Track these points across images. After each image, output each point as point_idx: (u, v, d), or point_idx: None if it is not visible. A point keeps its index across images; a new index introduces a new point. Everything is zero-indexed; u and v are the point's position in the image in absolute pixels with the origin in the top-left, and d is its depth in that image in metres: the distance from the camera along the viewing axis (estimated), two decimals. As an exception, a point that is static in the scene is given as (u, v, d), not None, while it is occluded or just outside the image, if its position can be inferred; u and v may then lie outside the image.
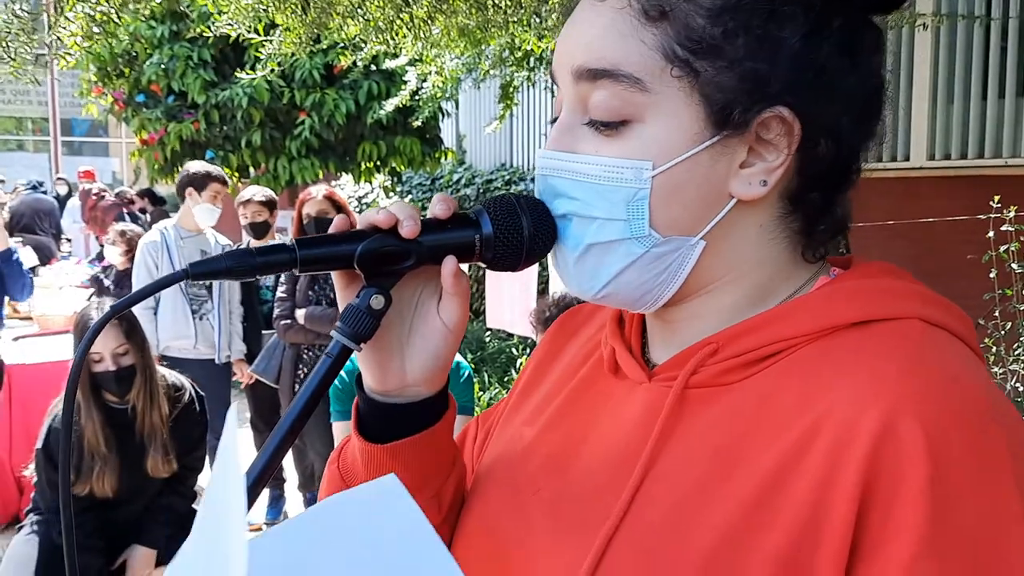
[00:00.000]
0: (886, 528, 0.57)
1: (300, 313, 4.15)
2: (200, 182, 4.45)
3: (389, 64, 5.75)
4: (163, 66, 7.76)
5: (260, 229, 4.58)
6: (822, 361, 0.65)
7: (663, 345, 0.77)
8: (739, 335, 0.70)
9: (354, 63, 4.51)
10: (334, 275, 0.73)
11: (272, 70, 3.45)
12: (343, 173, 8.96)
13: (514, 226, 0.71)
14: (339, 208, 4.42)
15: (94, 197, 9.13)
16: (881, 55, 0.72)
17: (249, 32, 3.22)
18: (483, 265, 0.73)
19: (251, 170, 8.53)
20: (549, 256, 0.75)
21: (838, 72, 0.67)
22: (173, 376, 3.08)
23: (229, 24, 3.16)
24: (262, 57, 3.37)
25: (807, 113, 0.67)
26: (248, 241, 4.71)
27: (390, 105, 5.94)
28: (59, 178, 12.72)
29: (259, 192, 4.75)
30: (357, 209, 10.44)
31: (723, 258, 0.71)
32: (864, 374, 0.62)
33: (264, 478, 0.66)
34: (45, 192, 10.61)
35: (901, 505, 0.57)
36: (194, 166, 4.62)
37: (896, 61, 6.13)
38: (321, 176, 8.66)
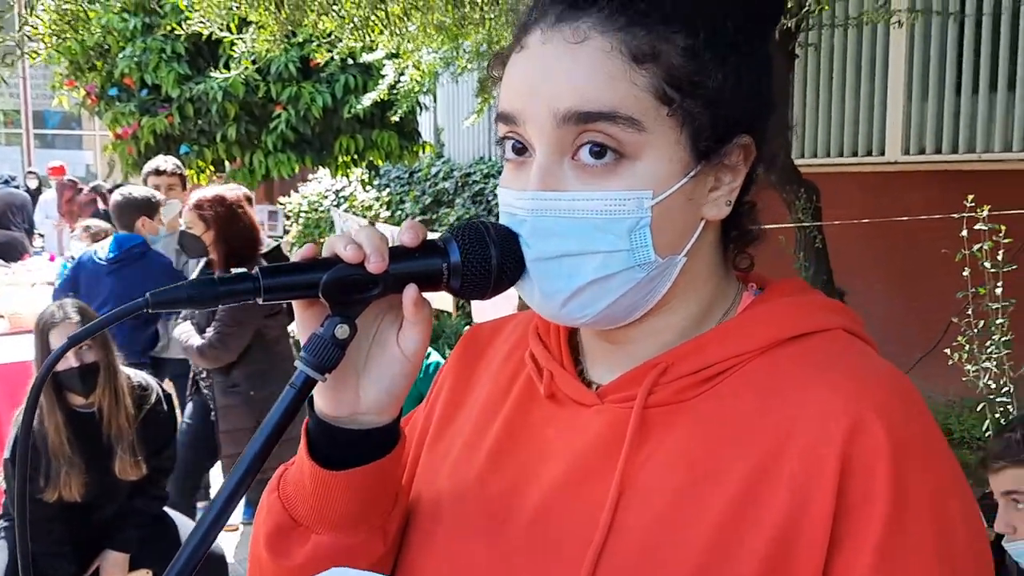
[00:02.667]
0: (862, 514, 0.64)
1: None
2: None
3: (367, 58, 5.71)
4: (136, 59, 7.68)
5: None
6: (773, 374, 0.72)
7: (606, 366, 0.79)
8: (688, 354, 0.74)
9: (331, 57, 4.48)
10: (294, 303, 0.72)
11: (246, 68, 3.41)
12: (320, 167, 8.90)
13: (482, 255, 0.71)
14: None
15: (70, 190, 8.99)
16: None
17: (222, 30, 3.19)
18: (451, 294, 0.72)
19: (227, 164, 8.46)
20: (519, 291, 0.75)
21: (772, 98, 0.75)
22: (139, 376, 3.04)
23: (201, 22, 3.12)
24: (235, 55, 3.33)
25: (759, 139, 0.74)
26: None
27: (368, 99, 5.92)
28: (30, 171, 12.53)
29: (235, 189, 4.68)
30: (335, 203, 10.38)
31: (688, 274, 0.75)
32: (821, 384, 0.69)
33: (226, 512, 0.64)
34: (17, 186, 10.47)
35: (873, 493, 0.64)
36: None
37: (871, 57, 6.17)
38: (298, 170, 8.60)
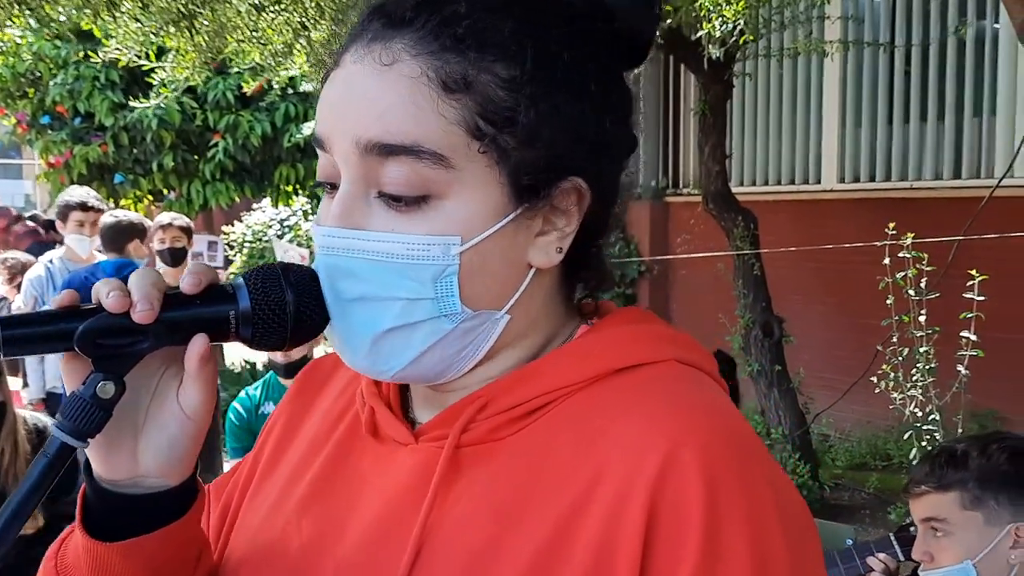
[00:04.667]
0: (671, 558, 0.59)
1: None
2: (61, 212, 4.25)
3: (306, 87, 5.64)
4: (69, 87, 7.51)
5: (178, 255, 4.40)
6: (592, 409, 0.66)
7: (427, 403, 0.73)
8: (507, 388, 0.67)
9: (270, 85, 4.41)
10: (60, 359, 0.64)
11: (166, 96, 3.32)
12: (261, 196, 8.77)
13: (276, 301, 0.63)
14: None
15: (3, 219, 8.67)
16: (633, 114, 0.73)
17: (140, 57, 3.11)
18: (245, 344, 0.65)
19: (165, 193, 8.30)
20: (330, 340, 0.68)
21: (615, 139, 0.69)
22: (34, 418, 2.88)
23: (118, 49, 3.04)
24: (154, 83, 3.24)
25: (597, 179, 0.68)
26: (160, 268, 4.52)
27: (308, 128, 5.84)
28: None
29: (178, 218, 4.57)
30: (278, 233, 10.24)
31: (518, 325, 0.69)
32: (638, 417, 0.63)
33: None
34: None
35: (683, 535, 0.59)
36: (64, 195, 4.39)
37: (807, 87, 6.27)
38: (238, 200, 8.46)
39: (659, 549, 0.59)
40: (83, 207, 4.22)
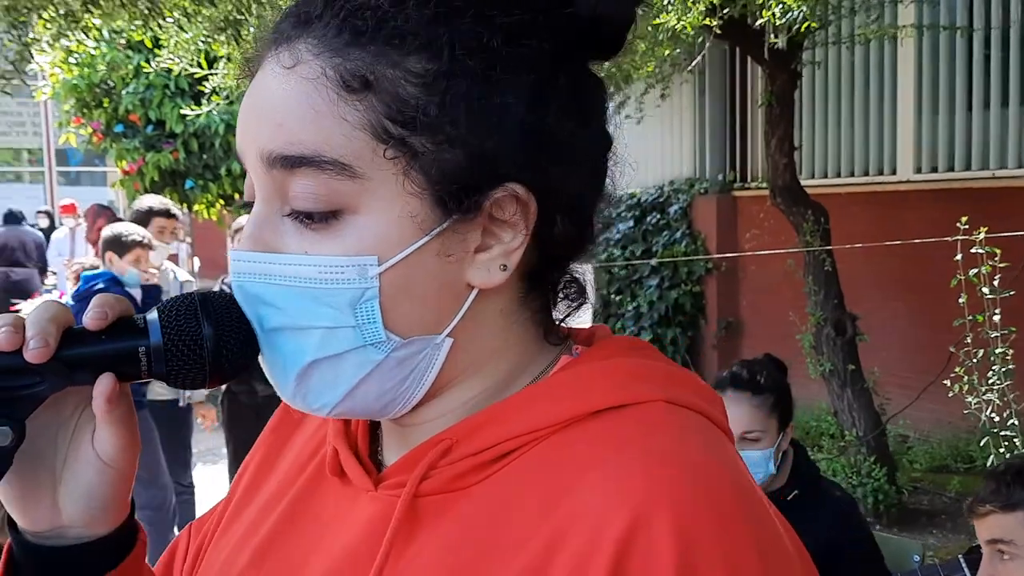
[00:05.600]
0: None
1: None
2: (142, 218, 4.24)
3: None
4: (140, 96, 7.70)
5: None
6: (563, 458, 0.58)
7: (395, 444, 0.66)
8: (474, 430, 0.60)
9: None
10: None
11: (218, 103, 3.35)
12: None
13: (191, 334, 0.58)
14: None
15: (103, 218, 8.89)
16: (605, 108, 0.65)
17: (192, 66, 3.14)
18: (163, 382, 0.60)
19: (235, 197, 8.45)
20: (264, 370, 0.62)
21: (568, 138, 0.60)
22: None
23: (170, 58, 3.07)
24: (205, 91, 3.27)
25: (542, 187, 0.59)
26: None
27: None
28: (40, 211, 12.56)
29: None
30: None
31: (467, 351, 0.62)
32: (608, 474, 0.55)
33: None
34: (32, 225, 10.57)
35: None
36: (142, 201, 4.40)
37: (880, 74, 6.02)
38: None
39: None
40: (168, 214, 4.28)
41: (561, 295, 0.66)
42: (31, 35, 2.38)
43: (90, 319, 0.58)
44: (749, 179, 7.05)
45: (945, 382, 3.05)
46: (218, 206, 8.55)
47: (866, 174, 6.16)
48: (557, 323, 0.67)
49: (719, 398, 0.66)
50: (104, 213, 8.45)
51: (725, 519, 0.54)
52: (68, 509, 0.62)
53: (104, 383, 0.58)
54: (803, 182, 5.23)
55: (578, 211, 0.62)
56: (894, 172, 5.96)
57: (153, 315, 0.59)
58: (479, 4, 0.58)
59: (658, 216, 7.48)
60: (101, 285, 4.30)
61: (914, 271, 5.41)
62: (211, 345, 0.58)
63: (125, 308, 0.59)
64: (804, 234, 4.85)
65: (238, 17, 2.60)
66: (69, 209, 10.01)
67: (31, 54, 2.37)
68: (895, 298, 5.72)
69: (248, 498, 0.75)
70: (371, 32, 0.56)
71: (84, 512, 0.62)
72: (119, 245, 4.27)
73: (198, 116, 7.59)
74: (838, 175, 6.35)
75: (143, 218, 4.31)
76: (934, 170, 5.72)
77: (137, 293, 4.08)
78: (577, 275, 0.66)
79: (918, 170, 5.79)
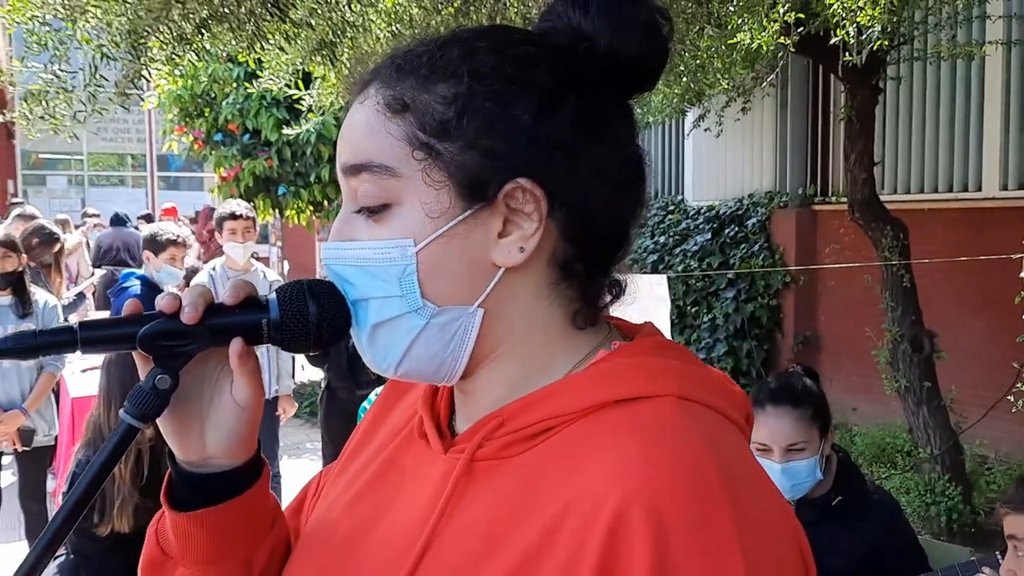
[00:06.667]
0: None
1: None
2: (217, 224, 4.58)
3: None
4: (239, 106, 8.09)
5: None
6: (583, 439, 0.70)
7: (463, 415, 0.81)
8: (522, 409, 0.74)
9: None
10: (135, 355, 0.77)
11: (316, 120, 3.56)
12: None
13: (300, 311, 0.76)
14: None
15: (212, 222, 9.32)
16: (631, 124, 0.78)
17: (290, 87, 3.37)
18: (279, 347, 0.77)
19: (325, 204, 8.77)
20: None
21: (576, 144, 0.73)
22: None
23: (271, 79, 3.30)
24: (302, 109, 3.49)
25: (551, 183, 0.73)
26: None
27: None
28: (140, 216, 13.18)
29: None
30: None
31: (502, 325, 0.75)
32: (611, 456, 0.67)
33: (53, 546, 0.70)
34: (135, 227, 11.13)
35: None
36: (218, 209, 4.72)
37: (966, 89, 5.94)
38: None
39: None
40: (233, 216, 4.56)
41: (601, 290, 0.78)
42: (149, 55, 2.62)
43: (227, 297, 0.76)
44: (830, 193, 7.01)
45: (1009, 398, 3.05)
46: (308, 212, 8.89)
47: (949, 190, 6.07)
48: (595, 312, 0.78)
49: (741, 396, 0.77)
50: (209, 215, 8.85)
51: (707, 511, 0.63)
52: (212, 444, 0.79)
53: (236, 344, 0.76)
54: (883, 197, 5.20)
55: (600, 212, 0.75)
56: (979, 188, 5.87)
57: (273, 296, 0.77)
58: (499, 44, 0.74)
59: (736, 229, 7.48)
60: (135, 282, 4.66)
61: (994, 289, 5.32)
62: (315, 319, 0.76)
63: (252, 290, 0.77)
64: (883, 249, 4.82)
65: (333, 40, 2.80)
66: (170, 212, 10.53)
67: (150, 72, 2.60)
68: (975, 316, 5.62)
69: (356, 453, 0.92)
70: (412, 68, 0.74)
71: (223, 446, 0.79)
72: (154, 244, 4.61)
73: (288, 125, 7.95)
74: (920, 191, 6.27)
75: (219, 223, 4.63)
76: (1021, 187, 5.61)
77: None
78: (620, 277, 0.79)
79: (1004, 187, 5.69)
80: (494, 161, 0.72)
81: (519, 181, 0.72)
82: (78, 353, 0.74)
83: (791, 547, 0.68)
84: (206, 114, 8.34)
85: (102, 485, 0.73)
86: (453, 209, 0.72)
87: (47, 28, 2.42)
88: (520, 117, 0.72)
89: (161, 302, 0.75)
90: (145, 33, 2.57)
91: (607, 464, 0.67)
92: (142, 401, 0.74)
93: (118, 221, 9.74)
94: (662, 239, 8.04)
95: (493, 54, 0.73)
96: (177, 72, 7.42)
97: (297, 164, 8.20)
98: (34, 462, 4.41)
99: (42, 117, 2.32)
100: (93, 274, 8.48)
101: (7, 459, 4.55)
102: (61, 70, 2.34)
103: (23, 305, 4.29)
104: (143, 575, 0.84)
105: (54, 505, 4.46)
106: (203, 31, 2.64)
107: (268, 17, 2.65)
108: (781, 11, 3.31)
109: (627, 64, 0.77)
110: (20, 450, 4.30)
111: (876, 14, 3.21)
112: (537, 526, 0.67)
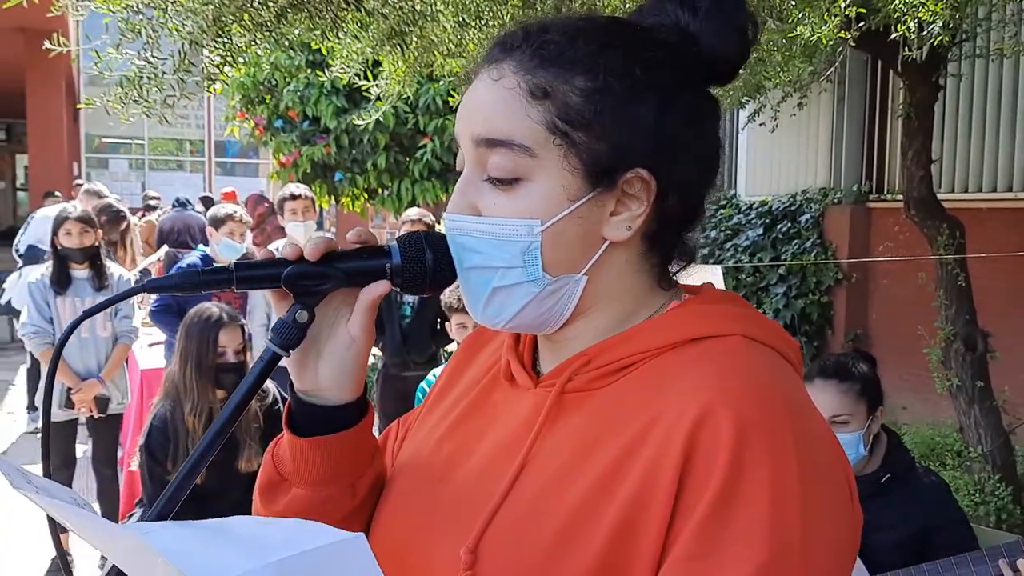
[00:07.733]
0: (697, 495, 0.72)
1: None
2: (278, 206, 4.81)
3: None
4: (300, 94, 8.28)
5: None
6: (664, 369, 0.81)
7: (550, 358, 0.91)
8: (606, 349, 0.85)
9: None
10: (271, 295, 0.87)
11: (380, 110, 3.67)
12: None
13: (419, 258, 0.86)
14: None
15: (263, 207, 9.44)
16: (717, 121, 0.88)
17: (360, 77, 3.48)
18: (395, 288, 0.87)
19: (379, 191, 8.94)
20: (461, 295, 0.89)
21: (685, 139, 0.83)
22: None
23: (342, 68, 3.42)
24: (371, 97, 3.60)
25: (661, 173, 0.82)
26: None
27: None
28: (202, 196, 13.49)
29: (416, 213, 5.09)
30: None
31: (599, 288, 0.85)
32: (691, 378, 0.78)
33: (206, 456, 0.81)
34: (195, 210, 11.41)
35: (711, 472, 0.72)
36: (213, 208, 4.94)
37: (1014, 84, 5.86)
38: (443, 198, 8.98)
39: (689, 481, 0.73)
40: (293, 197, 4.74)
41: (676, 257, 0.90)
42: (233, 42, 2.75)
43: (351, 238, 0.87)
44: (885, 190, 6.96)
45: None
46: (363, 199, 9.07)
47: (1008, 189, 6.00)
48: (671, 275, 0.90)
49: (794, 342, 0.88)
50: (263, 202, 9.08)
51: (774, 419, 0.74)
52: (324, 374, 0.89)
53: (383, 285, 0.86)
54: (940, 195, 5.17)
55: (689, 194, 0.85)
56: (1040, 188, 5.80)
57: (394, 243, 0.87)
58: (628, 43, 0.83)
59: (789, 224, 7.46)
60: (194, 256, 4.94)
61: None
62: (431, 266, 0.86)
63: (372, 237, 0.88)
64: (938, 247, 4.80)
65: (404, 29, 2.91)
66: (230, 196, 10.78)
67: (233, 59, 2.74)
68: (1032, 317, 5.56)
69: (441, 397, 1.03)
70: (552, 59, 0.81)
71: (336, 377, 0.89)
72: (215, 220, 4.86)
73: (347, 113, 8.09)
74: (979, 189, 6.21)
75: (279, 205, 4.79)
76: (1083, 187, 5.53)
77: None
78: (689, 243, 0.90)
79: (1066, 187, 5.61)
80: (621, 153, 0.81)
81: (639, 171, 0.81)
82: (142, 331, 0.85)
83: (840, 472, 0.78)
84: (267, 101, 8.55)
85: (245, 408, 0.84)
86: (579, 191, 0.81)
87: (140, 16, 2.56)
88: (645, 114, 0.81)
89: (286, 251, 0.85)
90: (230, 20, 2.70)
91: (688, 381, 0.78)
92: (285, 333, 0.84)
93: (180, 205, 10.00)
94: (713, 233, 8.05)
95: (624, 53, 0.81)
96: (240, 59, 7.64)
97: (354, 151, 8.38)
98: (108, 428, 4.63)
99: (135, 101, 2.46)
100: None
101: (80, 428, 4.76)
102: (153, 56, 2.47)
103: (100, 278, 4.49)
104: (260, 496, 0.95)
105: (123, 473, 4.66)
106: (282, 19, 2.76)
107: (345, 6, 2.77)
108: (842, 5, 3.34)
109: (724, 64, 0.86)
110: (96, 416, 4.51)
111: (938, 10, 3.22)
112: (626, 436, 0.78)
